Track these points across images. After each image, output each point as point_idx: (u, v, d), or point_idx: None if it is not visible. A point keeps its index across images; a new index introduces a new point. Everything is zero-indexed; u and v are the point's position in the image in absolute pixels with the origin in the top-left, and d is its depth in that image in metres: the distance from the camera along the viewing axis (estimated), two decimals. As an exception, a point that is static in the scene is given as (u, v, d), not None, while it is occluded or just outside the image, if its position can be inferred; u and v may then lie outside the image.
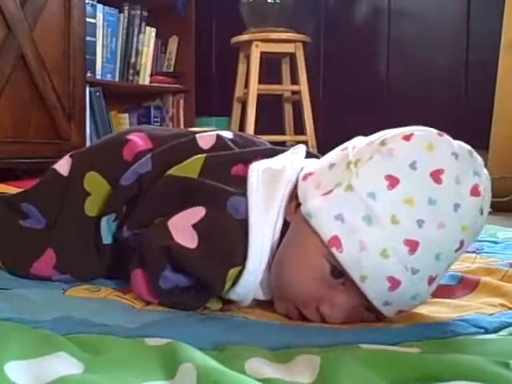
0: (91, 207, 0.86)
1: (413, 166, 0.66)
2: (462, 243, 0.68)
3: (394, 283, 0.65)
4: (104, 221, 0.84)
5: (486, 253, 1.14)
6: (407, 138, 0.69)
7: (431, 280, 0.68)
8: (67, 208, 0.86)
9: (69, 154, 0.91)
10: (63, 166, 0.90)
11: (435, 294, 0.80)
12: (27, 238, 0.86)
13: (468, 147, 0.70)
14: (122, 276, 0.83)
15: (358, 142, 0.73)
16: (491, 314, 0.74)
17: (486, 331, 0.68)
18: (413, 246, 0.65)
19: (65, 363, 0.52)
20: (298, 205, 0.72)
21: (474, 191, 0.67)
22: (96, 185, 0.86)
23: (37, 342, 0.56)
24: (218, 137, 0.86)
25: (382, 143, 0.69)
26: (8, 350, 0.52)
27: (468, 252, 1.08)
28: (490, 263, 1.03)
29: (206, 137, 0.86)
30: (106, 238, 0.85)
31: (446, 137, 0.69)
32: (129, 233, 0.81)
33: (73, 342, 0.57)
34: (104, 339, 0.59)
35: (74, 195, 0.86)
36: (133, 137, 0.88)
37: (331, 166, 0.72)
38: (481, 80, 2.59)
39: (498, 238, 1.35)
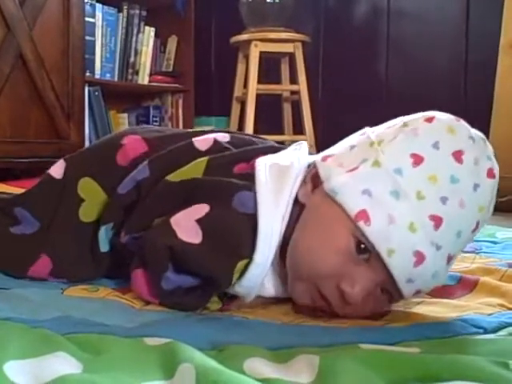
0: (85, 213, 0.85)
1: (436, 145, 0.69)
2: (477, 224, 0.70)
3: (420, 258, 0.67)
4: (103, 230, 0.83)
5: (484, 253, 1.14)
6: (429, 120, 0.72)
7: (450, 259, 0.70)
8: (61, 214, 0.85)
9: (63, 158, 0.91)
10: (57, 170, 0.89)
11: (434, 294, 0.80)
12: (19, 245, 0.85)
13: (481, 134, 0.73)
14: (120, 277, 0.83)
15: (375, 128, 0.76)
16: (490, 314, 0.74)
17: (485, 331, 0.68)
18: (437, 221, 0.67)
19: (64, 363, 0.52)
20: (315, 187, 0.74)
21: (490, 173, 0.70)
22: (91, 191, 0.85)
23: (36, 341, 0.56)
24: (215, 139, 0.86)
25: (405, 125, 0.72)
26: (7, 350, 0.52)
27: (467, 252, 1.08)
28: (488, 263, 1.03)
29: (202, 139, 0.86)
30: (104, 246, 0.84)
31: (463, 122, 0.73)
32: (127, 237, 0.80)
33: (72, 342, 0.57)
34: (103, 339, 0.59)
35: (68, 201, 0.86)
36: (127, 141, 0.88)
37: (352, 147, 0.74)
38: (480, 80, 2.59)
39: (496, 238, 1.35)
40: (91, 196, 0.85)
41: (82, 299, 0.76)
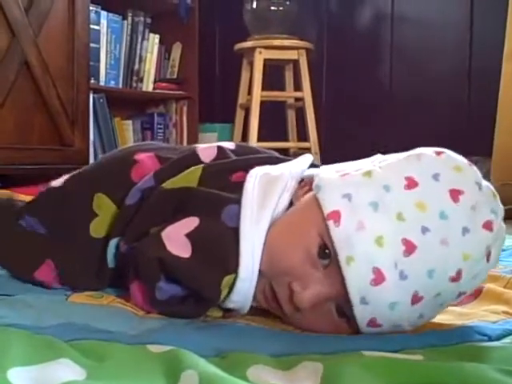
0: (96, 229, 0.84)
1: (436, 177, 0.66)
2: (458, 274, 0.65)
3: (379, 277, 0.63)
4: (112, 244, 0.83)
5: (489, 260, 1.14)
6: (438, 153, 0.69)
7: (415, 298, 0.64)
8: (71, 226, 0.85)
9: (68, 175, 0.91)
10: (61, 181, 0.90)
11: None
12: (27, 243, 0.85)
13: (493, 188, 0.69)
14: (123, 287, 0.83)
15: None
16: (495, 322, 0.74)
17: (490, 339, 0.67)
18: (410, 247, 0.63)
19: (67, 370, 0.52)
20: (310, 190, 0.73)
21: (487, 225, 0.66)
22: (104, 207, 0.85)
23: (39, 348, 0.56)
24: (219, 148, 0.86)
25: (412, 152, 0.70)
26: (11, 356, 0.52)
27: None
28: (493, 270, 1.03)
29: (207, 149, 0.86)
30: (112, 262, 0.83)
31: (475, 168, 0.69)
32: (126, 247, 0.80)
33: (75, 349, 0.57)
34: (106, 346, 0.59)
35: (80, 215, 0.85)
36: (142, 157, 0.87)
37: (355, 163, 0.73)
38: (484, 87, 2.59)
39: (501, 245, 1.35)
40: (104, 211, 0.85)
41: (85, 306, 0.76)
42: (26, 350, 0.55)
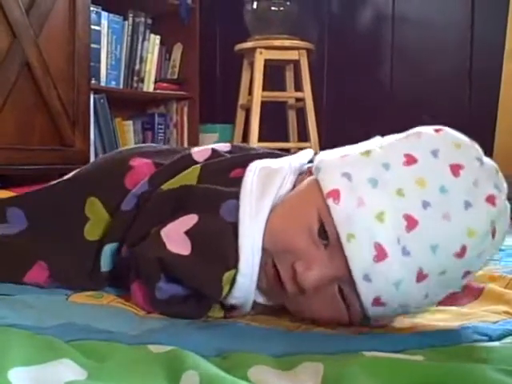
0: (91, 231, 0.85)
1: (435, 153, 0.66)
2: (463, 250, 0.64)
3: (381, 253, 0.63)
4: (107, 249, 0.83)
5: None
6: (438, 130, 0.70)
7: (420, 275, 0.64)
8: (65, 230, 0.85)
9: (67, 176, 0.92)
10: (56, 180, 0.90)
11: (439, 302, 0.79)
12: (10, 248, 0.84)
13: (495, 165, 0.69)
14: (123, 287, 0.83)
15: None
16: (495, 322, 0.74)
17: (490, 339, 0.67)
18: (411, 223, 0.63)
19: (68, 370, 0.52)
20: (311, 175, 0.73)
21: (490, 199, 0.65)
22: (96, 211, 0.85)
23: (40, 348, 0.56)
24: (213, 150, 0.87)
25: (412, 131, 0.71)
26: (11, 357, 0.52)
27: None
28: (493, 270, 1.03)
29: (201, 151, 0.87)
30: (105, 266, 0.83)
31: (476, 146, 0.69)
32: (127, 251, 0.80)
33: (76, 349, 0.57)
34: (107, 346, 0.59)
35: (74, 220, 0.85)
36: (137, 163, 0.87)
37: (355, 146, 0.74)
38: (484, 87, 2.59)
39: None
40: (96, 215, 0.85)
41: (86, 306, 0.76)
42: (26, 350, 0.55)
